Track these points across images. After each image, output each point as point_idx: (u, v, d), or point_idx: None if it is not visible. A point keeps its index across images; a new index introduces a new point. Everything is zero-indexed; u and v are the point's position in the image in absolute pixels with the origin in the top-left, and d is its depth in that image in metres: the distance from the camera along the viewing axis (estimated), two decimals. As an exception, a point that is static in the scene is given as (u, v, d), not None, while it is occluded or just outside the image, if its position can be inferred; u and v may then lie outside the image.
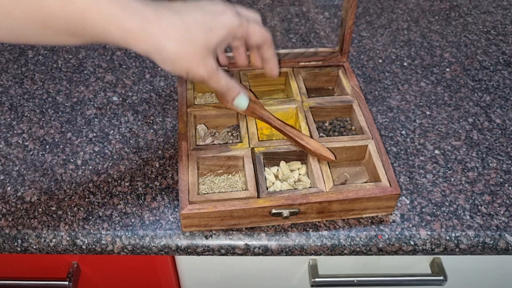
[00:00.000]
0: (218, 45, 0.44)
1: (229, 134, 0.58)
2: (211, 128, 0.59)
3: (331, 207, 0.51)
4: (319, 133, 0.57)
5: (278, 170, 0.54)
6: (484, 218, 0.53)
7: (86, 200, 0.54)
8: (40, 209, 0.53)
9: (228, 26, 0.44)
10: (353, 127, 0.59)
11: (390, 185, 0.50)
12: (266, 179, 0.52)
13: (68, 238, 0.51)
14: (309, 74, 0.64)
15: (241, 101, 0.52)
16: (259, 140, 0.55)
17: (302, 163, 0.55)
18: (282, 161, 0.54)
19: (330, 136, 0.58)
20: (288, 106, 0.58)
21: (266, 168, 0.54)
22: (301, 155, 0.54)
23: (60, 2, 0.37)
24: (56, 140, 0.60)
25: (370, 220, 0.52)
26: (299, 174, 0.53)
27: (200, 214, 0.49)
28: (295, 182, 0.53)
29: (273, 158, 0.54)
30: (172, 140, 0.60)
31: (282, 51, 0.62)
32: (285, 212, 0.49)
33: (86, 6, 0.37)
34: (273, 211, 0.49)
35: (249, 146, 0.54)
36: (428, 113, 0.65)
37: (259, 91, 0.64)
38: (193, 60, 0.42)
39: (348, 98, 0.60)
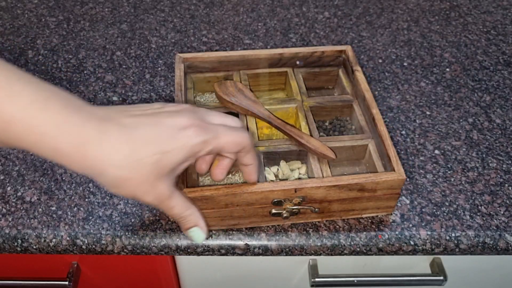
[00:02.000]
0: (174, 169, 0.38)
1: None
2: None
3: (331, 207, 0.50)
4: (319, 133, 0.57)
5: (278, 169, 0.54)
6: (484, 218, 0.53)
7: (86, 200, 0.54)
8: (40, 209, 0.53)
9: (188, 147, 0.37)
10: (353, 127, 0.59)
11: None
12: (266, 179, 0.52)
13: (68, 238, 0.51)
14: (309, 73, 0.64)
15: (195, 236, 0.43)
16: (259, 140, 0.55)
17: (302, 163, 0.55)
18: (282, 161, 0.54)
19: (330, 135, 0.58)
20: (288, 106, 0.58)
21: (266, 168, 0.54)
22: (301, 154, 0.54)
23: None
24: (56, 140, 0.60)
25: (370, 220, 0.52)
26: (299, 174, 0.53)
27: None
28: None
29: (273, 158, 0.54)
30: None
31: (282, 50, 0.62)
32: (285, 213, 0.49)
33: (10, 117, 0.32)
34: (273, 211, 0.49)
35: None
36: (428, 113, 0.65)
37: (259, 90, 0.64)
38: (139, 186, 0.36)
39: (348, 98, 0.60)
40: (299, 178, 0.53)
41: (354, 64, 0.60)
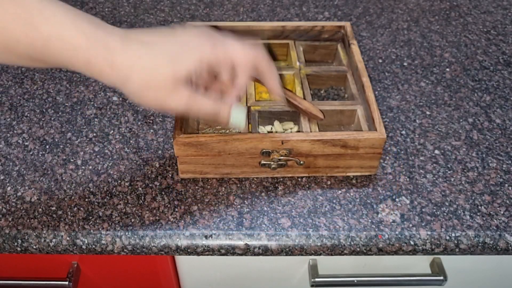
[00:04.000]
0: (189, 75, 0.41)
1: None
2: None
3: (317, 162, 0.54)
4: (313, 99, 0.61)
5: (272, 128, 0.57)
6: (484, 218, 0.53)
7: (86, 200, 0.54)
8: (40, 209, 0.53)
9: (198, 54, 0.41)
10: (346, 95, 0.63)
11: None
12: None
13: (68, 238, 0.51)
14: (310, 46, 0.67)
15: (237, 115, 0.46)
16: (255, 100, 0.58)
17: (294, 124, 0.58)
18: (276, 121, 0.58)
19: None
20: (286, 73, 0.62)
21: (260, 126, 0.57)
22: (294, 116, 0.58)
23: (23, 27, 0.36)
24: (56, 140, 0.60)
25: (370, 220, 0.52)
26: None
27: (196, 160, 0.52)
28: None
29: (268, 117, 0.58)
30: (172, 140, 0.60)
31: (285, 23, 0.66)
32: (273, 164, 0.53)
33: (48, 35, 0.37)
34: (262, 162, 0.53)
35: (246, 105, 0.57)
36: (428, 113, 0.65)
37: None
38: (161, 92, 0.40)
39: (343, 68, 0.63)
40: None
41: (351, 38, 0.64)
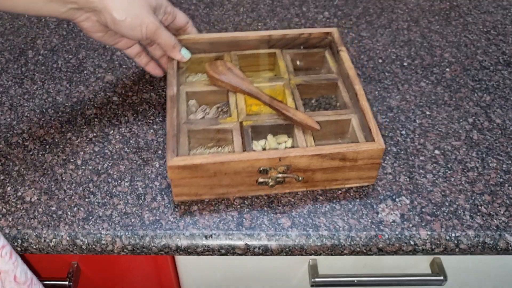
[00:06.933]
0: (157, 6, 0.56)
1: (219, 110, 0.60)
2: (202, 105, 0.61)
3: (315, 176, 0.52)
4: (305, 109, 0.59)
5: (265, 143, 0.56)
6: (484, 218, 0.53)
7: (86, 200, 0.54)
8: (40, 209, 0.53)
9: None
10: (338, 104, 0.61)
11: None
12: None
13: (68, 238, 0.51)
14: (297, 54, 0.66)
15: (186, 53, 0.60)
16: (247, 115, 0.57)
17: (288, 137, 0.56)
18: (269, 135, 0.56)
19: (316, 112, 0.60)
20: (276, 84, 0.61)
21: (254, 141, 0.56)
22: (288, 128, 0.56)
23: None
24: (56, 140, 0.60)
25: (370, 220, 0.52)
26: (286, 147, 0.55)
27: (191, 182, 0.50)
28: None
29: (260, 132, 0.56)
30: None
31: (271, 32, 0.64)
32: (271, 181, 0.51)
33: None
34: (260, 180, 0.51)
35: (238, 120, 0.56)
36: (428, 113, 0.65)
37: (248, 71, 0.65)
38: (142, 9, 0.52)
39: (333, 76, 0.62)
40: None
41: (339, 45, 0.63)
